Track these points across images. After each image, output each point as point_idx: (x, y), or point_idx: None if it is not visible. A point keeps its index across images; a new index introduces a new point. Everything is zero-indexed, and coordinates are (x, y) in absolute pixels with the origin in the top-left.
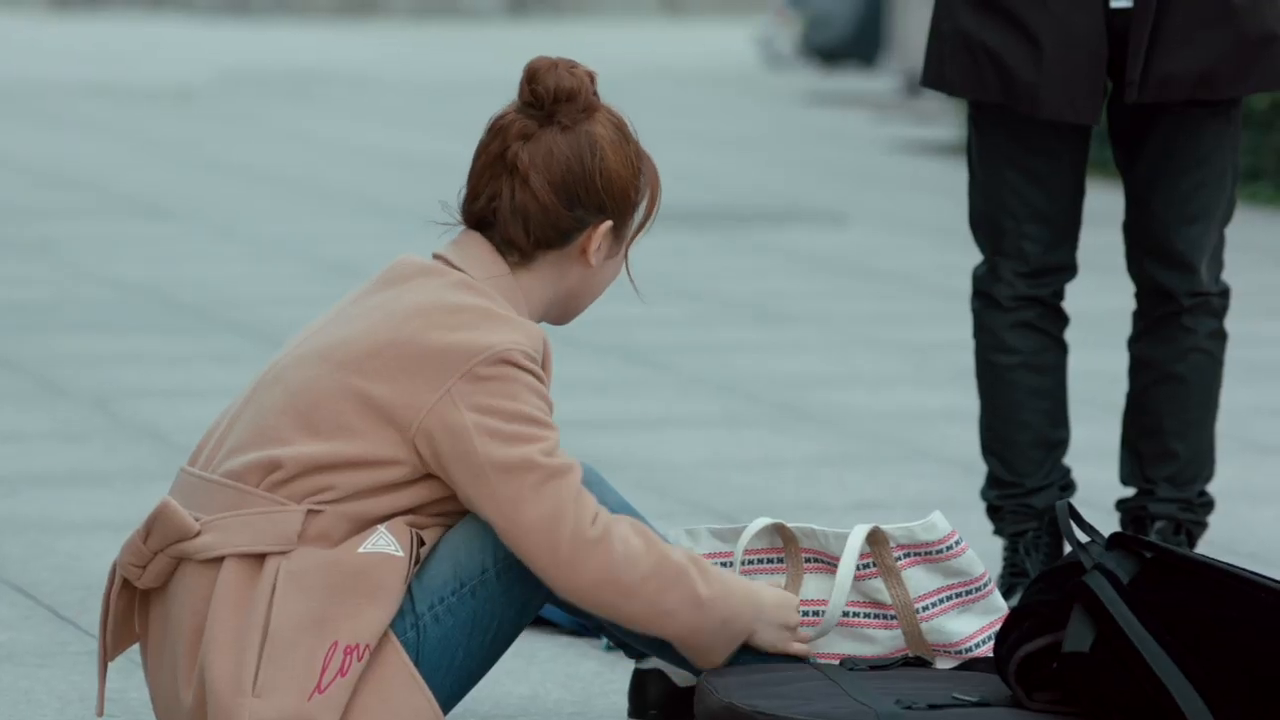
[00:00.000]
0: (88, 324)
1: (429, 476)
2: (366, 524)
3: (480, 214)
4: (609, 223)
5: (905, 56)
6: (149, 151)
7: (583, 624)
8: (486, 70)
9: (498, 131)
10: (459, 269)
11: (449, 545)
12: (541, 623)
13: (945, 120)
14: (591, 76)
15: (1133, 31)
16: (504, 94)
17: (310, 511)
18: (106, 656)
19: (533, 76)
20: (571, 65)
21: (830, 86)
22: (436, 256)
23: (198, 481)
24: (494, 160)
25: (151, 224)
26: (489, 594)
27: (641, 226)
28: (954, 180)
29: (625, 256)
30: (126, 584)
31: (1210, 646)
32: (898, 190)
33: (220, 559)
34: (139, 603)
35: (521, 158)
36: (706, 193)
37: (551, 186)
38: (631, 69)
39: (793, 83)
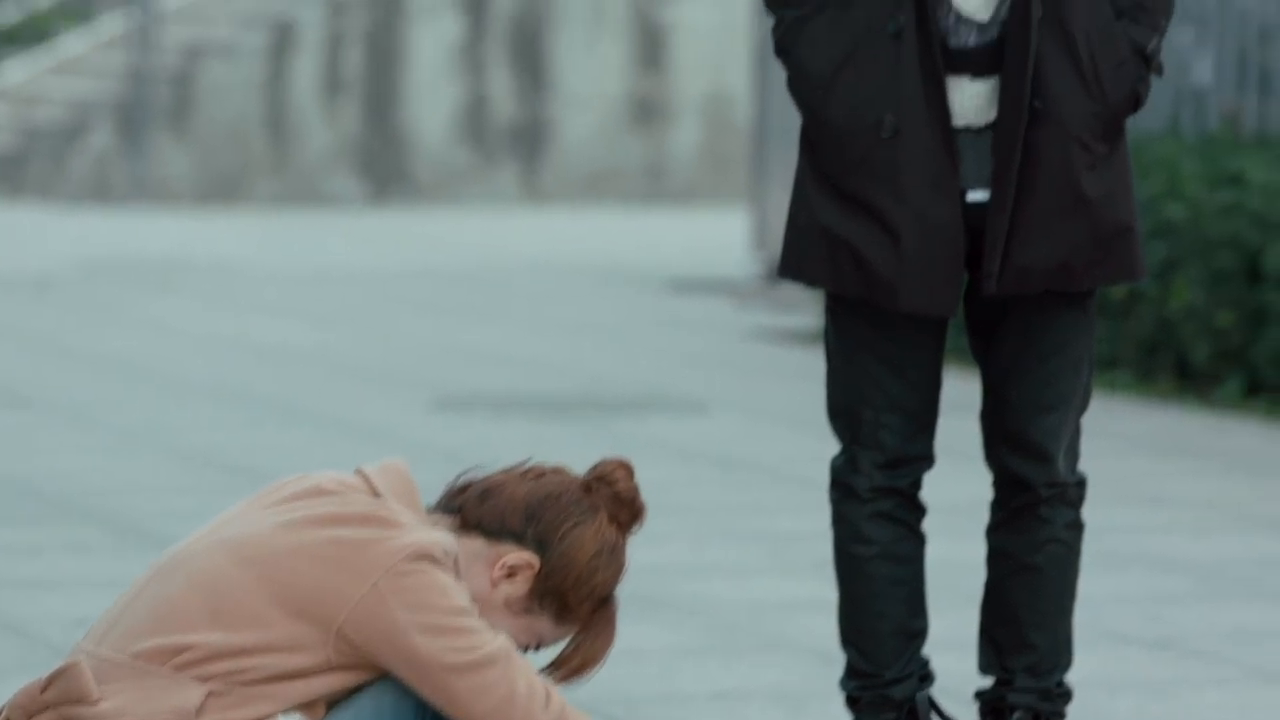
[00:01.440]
0: None
1: (342, 668)
2: (270, 708)
3: (475, 473)
4: (536, 565)
5: (765, 243)
6: (6, 340)
7: None
8: (347, 258)
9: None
10: (375, 489)
11: None
12: None
13: (806, 308)
14: (636, 509)
15: (989, 225)
16: (363, 282)
17: (212, 693)
18: None
19: (601, 463)
20: (635, 485)
21: (691, 274)
22: (358, 473)
23: (97, 661)
24: (534, 469)
25: (8, 413)
26: None
27: (561, 654)
28: (814, 368)
29: (533, 649)
30: None
31: None
32: (758, 379)
33: None
34: None
35: (541, 469)
36: (566, 381)
37: (534, 492)
38: (491, 256)
39: (652, 270)
